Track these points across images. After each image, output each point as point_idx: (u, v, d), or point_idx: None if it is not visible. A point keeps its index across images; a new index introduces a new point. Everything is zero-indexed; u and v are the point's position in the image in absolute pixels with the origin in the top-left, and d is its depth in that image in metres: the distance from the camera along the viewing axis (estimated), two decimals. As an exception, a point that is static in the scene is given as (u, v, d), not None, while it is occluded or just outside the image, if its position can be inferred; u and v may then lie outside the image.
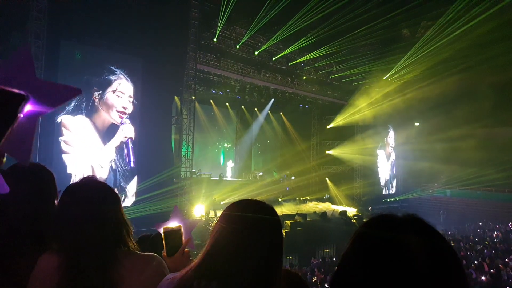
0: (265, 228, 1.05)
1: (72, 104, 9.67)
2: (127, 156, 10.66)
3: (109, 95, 10.33)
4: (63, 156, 9.59)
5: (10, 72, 0.83)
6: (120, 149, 10.67)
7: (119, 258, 1.20)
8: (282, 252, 1.06)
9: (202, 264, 1.04)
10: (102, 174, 10.18)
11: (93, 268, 1.17)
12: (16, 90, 0.77)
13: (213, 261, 1.02)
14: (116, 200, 1.32)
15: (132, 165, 10.66)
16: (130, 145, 10.68)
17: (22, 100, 0.78)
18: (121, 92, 10.57)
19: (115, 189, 1.40)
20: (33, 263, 1.24)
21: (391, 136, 22.47)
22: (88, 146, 10.03)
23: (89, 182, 1.32)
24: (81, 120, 9.90)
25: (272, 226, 1.07)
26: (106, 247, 1.21)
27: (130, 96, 10.81)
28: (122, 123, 10.57)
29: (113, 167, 10.59)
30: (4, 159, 0.83)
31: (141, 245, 1.39)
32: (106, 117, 10.36)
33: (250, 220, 1.05)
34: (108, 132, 10.42)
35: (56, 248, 1.23)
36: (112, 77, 10.38)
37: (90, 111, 10.05)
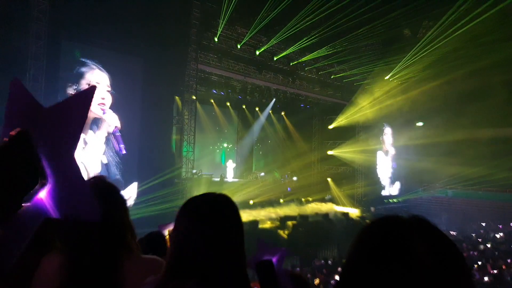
0: (222, 221, 1.05)
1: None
2: (116, 144, 10.45)
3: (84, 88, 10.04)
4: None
5: (52, 126, 0.59)
6: (108, 140, 10.49)
7: (122, 261, 1.21)
8: (242, 242, 1.06)
9: (174, 264, 1.03)
10: (94, 168, 10.11)
11: (96, 269, 1.17)
12: (40, 165, 0.53)
13: (181, 261, 1.01)
14: (123, 203, 1.32)
15: (123, 151, 10.47)
16: (118, 133, 10.41)
17: (36, 183, 0.54)
18: (96, 83, 10.19)
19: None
20: (34, 265, 1.24)
21: (387, 133, 22.43)
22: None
23: (98, 183, 1.31)
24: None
25: (228, 219, 1.06)
26: (110, 250, 1.21)
27: (108, 86, 10.45)
28: (104, 113, 10.32)
29: (105, 161, 10.46)
30: None
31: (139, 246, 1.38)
32: None
33: (205, 215, 1.04)
34: (92, 126, 10.23)
35: (60, 248, 1.23)
36: (84, 69, 10.02)
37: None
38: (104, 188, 1.30)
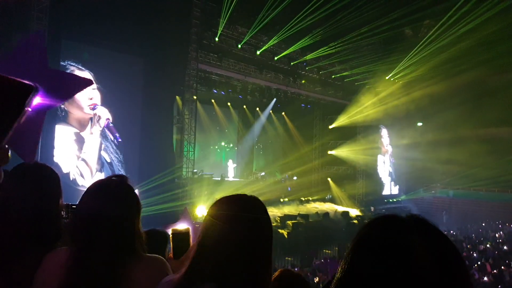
0: (253, 224, 1.01)
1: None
2: (111, 135, 10.47)
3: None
4: (54, 159, 9.54)
5: (21, 60, 0.80)
6: (104, 135, 10.53)
7: (127, 260, 1.23)
8: (271, 247, 1.03)
9: (196, 265, 1.01)
10: (94, 162, 10.22)
11: (101, 266, 1.19)
12: (25, 81, 0.71)
13: (206, 262, 0.99)
14: (137, 212, 1.33)
15: (119, 139, 10.41)
16: (110, 124, 10.42)
17: (31, 91, 0.72)
18: None
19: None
20: (35, 264, 1.25)
21: (383, 135, 22.42)
22: (73, 144, 10.01)
23: (118, 185, 1.32)
24: (60, 128, 9.78)
25: (259, 222, 1.03)
26: (117, 253, 1.22)
27: (93, 84, 10.33)
28: (94, 108, 10.32)
29: (108, 160, 10.49)
30: (9, 154, 0.80)
31: None
32: (80, 114, 10.15)
33: (236, 217, 1.01)
34: (89, 124, 10.33)
35: (69, 240, 1.25)
36: None
37: (64, 117, 9.83)
38: (123, 193, 1.31)
